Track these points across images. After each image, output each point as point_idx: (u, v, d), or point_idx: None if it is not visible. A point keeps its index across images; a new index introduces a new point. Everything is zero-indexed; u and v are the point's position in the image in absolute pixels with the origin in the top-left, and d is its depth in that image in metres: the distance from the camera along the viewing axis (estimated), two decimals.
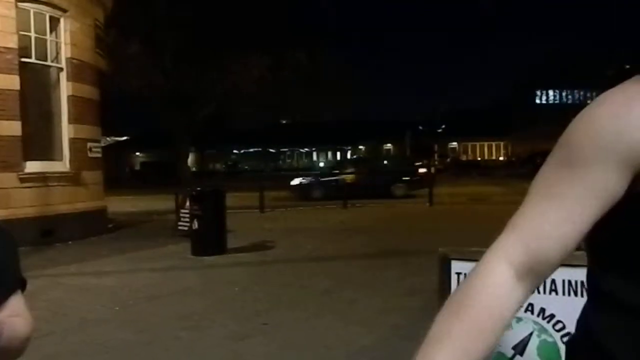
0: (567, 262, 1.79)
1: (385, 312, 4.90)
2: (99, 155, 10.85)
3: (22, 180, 8.89)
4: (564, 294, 1.78)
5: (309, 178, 19.08)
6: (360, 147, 66.68)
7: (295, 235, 9.84)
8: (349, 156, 67.53)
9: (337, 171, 19.30)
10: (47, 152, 9.69)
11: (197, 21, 24.12)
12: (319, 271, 6.82)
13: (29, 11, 9.20)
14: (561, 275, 1.79)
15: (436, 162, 43.52)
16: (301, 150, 68.63)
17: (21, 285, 1.13)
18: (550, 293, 1.80)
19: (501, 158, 62.66)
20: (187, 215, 8.61)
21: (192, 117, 29.10)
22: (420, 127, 57.10)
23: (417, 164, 21.26)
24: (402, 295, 5.44)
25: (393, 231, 10.24)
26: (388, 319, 4.70)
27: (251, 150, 64.98)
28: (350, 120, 60.29)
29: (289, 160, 67.81)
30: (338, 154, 68.54)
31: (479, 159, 62.15)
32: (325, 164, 64.91)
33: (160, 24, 23.93)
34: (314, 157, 69.01)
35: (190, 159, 39.98)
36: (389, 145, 64.46)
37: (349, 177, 17.60)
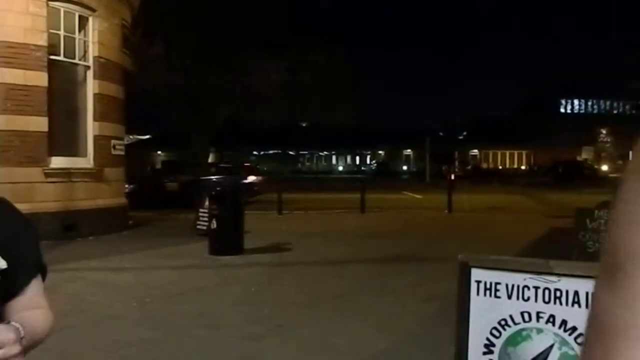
0: (590, 275, 1.76)
1: (400, 318, 4.87)
2: (122, 152, 11.01)
3: (47, 175, 9.07)
4: (587, 306, 1.75)
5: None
6: (380, 151, 66.50)
7: (312, 238, 9.84)
8: (368, 161, 67.42)
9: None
10: (72, 148, 9.88)
11: (216, 23, 24.37)
12: (334, 274, 6.81)
13: (59, 10, 9.41)
14: (584, 287, 1.76)
15: (456, 169, 43.17)
16: (320, 153, 68.70)
17: (41, 271, 1.14)
18: (572, 305, 1.77)
19: (522, 167, 61.85)
20: (206, 215, 8.68)
21: (211, 118, 29.39)
22: (441, 134, 56.72)
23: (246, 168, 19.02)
24: (418, 301, 5.40)
25: (411, 237, 10.18)
26: (403, 325, 4.67)
27: (270, 152, 65.31)
28: (370, 125, 60.21)
29: (308, 163, 67.95)
30: (357, 158, 68.47)
31: (500, 167, 61.44)
32: (344, 167, 64.90)
33: (182, 26, 24.23)
34: (333, 161, 69.03)
35: (210, 160, 40.32)
36: (409, 150, 64.14)
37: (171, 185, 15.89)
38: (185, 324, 4.72)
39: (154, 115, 41.04)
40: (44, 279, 1.15)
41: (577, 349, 1.77)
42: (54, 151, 9.29)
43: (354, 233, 10.63)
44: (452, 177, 20.45)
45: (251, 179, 17.33)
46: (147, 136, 55.83)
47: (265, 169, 59.81)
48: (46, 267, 1.16)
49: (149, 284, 6.27)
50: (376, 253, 8.35)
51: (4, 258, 1.03)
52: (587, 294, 1.76)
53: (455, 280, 2.10)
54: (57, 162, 9.31)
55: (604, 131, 58.94)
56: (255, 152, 66.00)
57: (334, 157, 69.44)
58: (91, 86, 10.06)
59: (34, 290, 1.08)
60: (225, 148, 54.50)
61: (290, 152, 65.27)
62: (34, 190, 8.88)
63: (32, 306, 1.07)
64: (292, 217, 13.50)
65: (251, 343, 4.23)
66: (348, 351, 4.05)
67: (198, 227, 9.58)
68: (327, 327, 4.62)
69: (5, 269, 1.03)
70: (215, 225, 7.99)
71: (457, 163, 51.54)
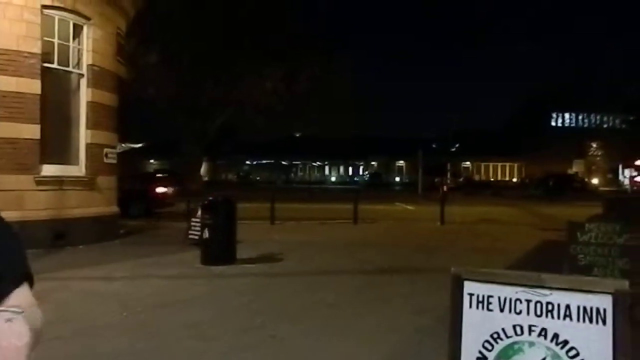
0: (582, 288, 1.78)
1: (391, 330, 4.86)
2: (115, 161, 10.97)
3: (37, 182, 9.01)
4: (578, 320, 1.76)
5: None
6: (373, 162, 66.69)
7: (304, 249, 9.82)
8: (360, 171, 67.56)
9: None
10: (64, 156, 9.82)
11: (211, 32, 24.47)
12: (326, 285, 6.79)
13: (53, 18, 9.41)
14: (576, 301, 1.77)
15: (449, 181, 43.32)
16: (313, 163, 68.79)
17: (27, 279, 1.05)
18: (564, 319, 1.78)
19: (514, 179, 62.23)
20: (198, 224, 8.65)
21: (204, 127, 29.39)
22: (434, 145, 57.00)
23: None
24: (410, 313, 5.39)
25: (403, 248, 10.19)
26: (394, 337, 4.66)
27: (264, 161, 65.31)
28: (363, 136, 60.40)
29: (301, 173, 68.01)
30: (350, 168, 68.64)
31: (492, 179, 61.76)
32: (337, 178, 64.95)
33: (177, 34, 24.30)
34: (326, 171, 69.11)
35: (203, 169, 40.22)
36: (401, 162, 64.40)
37: None
38: (177, 334, 4.69)
39: (148, 123, 40.97)
40: (31, 287, 1.07)
41: None
42: (46, 159, 9.23)
43: (347, 243, 10.63)
44: (445, 188, 20.51)
45: (160, 190, 17.10)
46: (140, 144, 55.68)
47: (258, 178, 59.83)
48: (32, 275, 1.08)
49: (140, 293, 6.21)
50: (368, 264, 8.34)
51: None
52: (578, 307, 1.77)
53: (448, 292, 2.11)
54: (49, 169, 9.26)
55: (594, 145, 59.50)
56: (248, 162, 65.97)
57: (327, 168, 69.57)
58: (85, 94, 10.04)
59: (19, 299, 1.01)
60: (219, 157, 54.44)
61: (284, 162, 65.30)
62: (24, 198, 8.82)
63: (10, 310, 1.01)
64: (284, 227, 13.47)
65: (243, 354, 4.21)
66: None
67: (190, 236, 9.53)
68: (319, 338, 4.61)
69: None
70: (207, 235, 7.96)
71: (449, 175, 51.75)
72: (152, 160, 56.18)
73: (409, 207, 21.89)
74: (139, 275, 7.28)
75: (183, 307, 5.63)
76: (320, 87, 27.11)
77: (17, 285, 1.00)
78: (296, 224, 14.19)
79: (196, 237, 8.91)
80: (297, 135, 52.85)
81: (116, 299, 5.94)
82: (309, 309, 5.59)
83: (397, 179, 61.45)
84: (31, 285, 1.06)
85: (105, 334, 4.70)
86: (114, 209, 10.94)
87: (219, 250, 7.90)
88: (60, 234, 9.07)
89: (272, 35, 24.79)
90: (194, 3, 23.69)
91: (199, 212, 8.75)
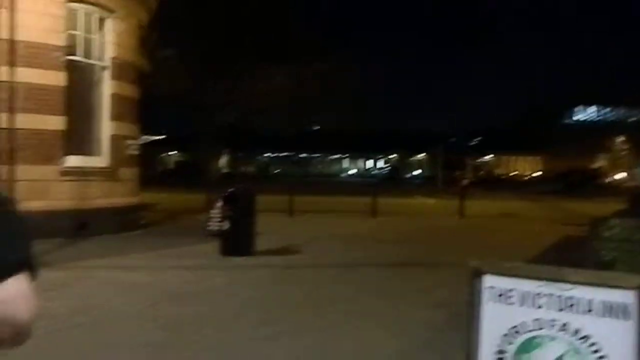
0: (605, 283, 1.75)
1: (410, 323, 4.86)
2: (136, 152, 11.12)
3: (61, 173, 9.18)
4: (600, 315, 1.74)
5: None
6: (392, 155, 66.34)
7: (322, 241, 9.85)
8: (379, 165, 67.32)
9: None
10: (87, 147, 9.99)
11: (222, 29, 24.64)
12: (344, 278, 6.81)
13: (78, 11, 9.54)
14: (599, 296, 1.75)
15: (469, 175, 42.94)
16: (332, 156, 68.73)
17: (24, 268, 0.98)
18: (586, 314, 1.76)
19: (535, 174, 61.37)
20: (217, 216, 8.72)
21: (219, 121, 29.62)
22: (454, 139, 56.49)
23: None
24: (428, 307, 5.38)
25: (422, 242, 10.15)
26: (412, 330, 4.66)
27: (282, 154, 65.48)
28: (382, 129, 60.11)
29: (320, 167, 67.99)
30: (369, 161, 68.41)
31: (513, 173, 60.98)
32: (356, 171, 64.81)
33: (193, 29, 24.48)
34: (345, 164, 69.01)
35: (222, 161, 40.53)
36: (421, 155, 63.91)
37: None
38: (196, 324, 4.75)
39: (168, 116, 41.36)
40: (32, 275, 0.99)
41: (590, 358, 1.76)
42: (70, 150, 9.40)
43: (365, 237, 10.62)
44: (464, 182, 20.33)
45: None
46: (160, 137, 56.23)
47: (277, 170, 60.02)
48: (33, 264, 1.00)
49: (160, 283, 6.31)
50: (387, 257, 8.33)
51: None
52: (601, 302, 1.75)
53: (467, 286, 2.10)
54: (72, 161, 9.42)
55: (619, 139, 58.27)
56: (266, 155, 66.18)
57: (345, 161, 69.46)
58: (108, 86, 10.18)
59: (14, 287, 0.95)
60: (237, 150, 54.75)
61: (302, 155, 65.36)
62: (49, 189, 9.00)
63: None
64: (303, 220, 13.51)
65: (261, 344, 4.25)
66: (356, 355, 4.04)
67: (209, 227, 9.62)
68: (336, 331, 4.62)
69: None
70: (227, 226, 8.03)
71: (469, 169, 51.25)
72: (172, 152, 56.76)
73: (429, 201, 21.75)
74: (159, 265, 7.39)
75: (202, 297, 5.70)
76: (330, 81, 27.00)
77: (10, 274, 0.94)
78: (315, 217, 14.22)
79: (215, 229, 8.99)
80: (316, 128, 52.86)
81: (137, 288, 6.04)
82: (326, 302, 5.61)
83: (417, 172, 61.09)
84: (31, 273, 0.98)
85: (124, 323, 4.79)
86: (136, 199, 11.10)
87: (239, 241, 7.96)
88: (83, 224, 9.24)
89: (276, 34, 24.89)
90: (197, 1, 23.89)
91: (219, 204, 8.82)
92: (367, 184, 25.34)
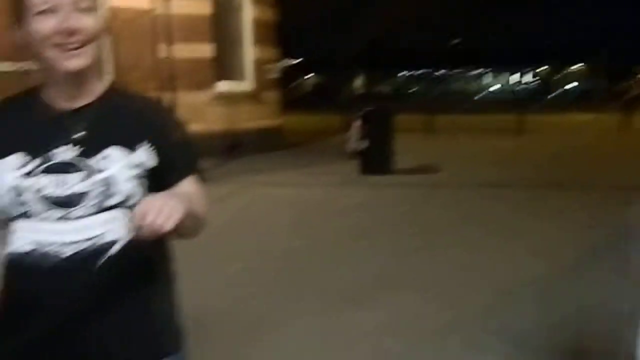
0: None
1: (559, 243, 4.62)
2: (277, 76, 11.56)
3: (213, 98, 9.93)
4: None
5: None
6: (542, 68, 60.32)
7: (463, 160, 9.56)
8: (527, 79, 61.86)
9: None
10: (234, 72, 10.61)
11: None
12: (486, 197, 6.60)
13: None
14: None
15: (636, 87, 37.64)
16: (473, 72, 64.58)
17: (194, 172, 1.16)
18: None
19: None
20: (356, 135, 8.87)
21: (357, 39, 29.12)
22: (617, 47, 49.32)
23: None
24: (579, 228, 5.04)
25: (575, 161, 9.35)
26: (562, 251, 4.43)
27: (419, 72, 63.17)
28: (530, 38, 54.46)
29: (460, 83, 64.44)
30: (515, 76, 63.03)
31: None
32: (500, 86, 60.40)
33: None
34: (487, 80, 64.49)
35: (357, 81, 40.44)
36: (577, 65, 57.09)
37: None
38: (339, 236, 5.03)
39: (304, 40, 41.89)
40: (199, 182, 1.17)
41: None
42: (219, 76, 10.07)
43: (509, 156, 10.07)
44: (631, 95, 17.93)
45: None
46: (298, 60, 57.48)
47: (414, 89, 58.36)
48: (201, 171, 1.18)
49: (305, 198, 6.74)
50: (534, 177, 7.86)
51: (157, 156, 1.09)
52: None
53: (626, 207, 1.91)
54: (222, 86, 10.11)
55: None
56: (402, 73, 64.37)
57: (488, 76, 64.89)
58: (249, 12, 10.53)
59: (186, 188, 1.11)
60: (373, 70, 54.05)
61: (440, 72, 62.40)
62: (203, 113, 9.82)
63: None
64: (442, 139, 13.17)
65: (400, 259, 4.37)
66: (501, 275, 3.98)
67: (348, 147, 9.84)
68: (477, 248, 4.57)
69: (155, 167, 1.08)
70: (365, 145, 8.15)
71: (637, 79, 44.84)
72: (309, 75, 57.90)
73: (585, 117, 19.69)
74: (303, 182, 7.84)
75: (344, 213, 5.97)
76: None
77: (186, 176, 1.14)
78: (455, 136, 13.77)
79: (354, 148, 9.18)
80: (456, 42, 49.73)
81: (284, 202, 6.52)
82: (466, 220, 5.53)
83: (570, 85, 55.10)
84: (199, 181, 1.17)
85: (276, 232, 5.25)
86: (279, 121, 11.68)
87: (377, 160, 8.07)
88: (233, 145, 10.03)
89: None
90: None
91: (357, 123, 8.93)
92: (512, 100, 23.55)
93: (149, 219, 0.92)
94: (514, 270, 4.06)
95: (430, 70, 61.00)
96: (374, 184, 7.51)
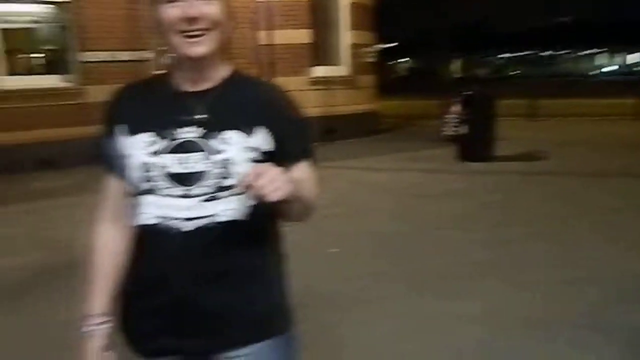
0: None
1: None
2: (373, 60, 11.47)
3: (310, 83, 10.08)
4: None
5: None
6: None
7: (569, 147, 8.94)
8: None
9: None
10: (330, 57, 10.68)
11: None
12: (595, 187, 6.13)
13: None
14: None
15: None
16: (583, 52, 59.69)
17: (308, 158, 1.19)
18: None
19: None
20: (454, 120, 8.59)
21: (455, 20, 28.02)
22: None
23: None
24: None
25: None
26: None
27: (521, 54, 59.57)
28: None
29: (568, 64, 59.89)
30: (634, 55, 57.29)
31: None
32: (615, 68, 55.32)
33: None
34: (600, 61, 59.31)
35: (455, 65, 39.04)
36: None
37: None
38: (435, 222, 4.94)
39: (399, 23, 41.11)
40: (312, 169, 1.19)
41: None
42: (316, 61, 10.19)
43: (624, 143, 9.25)
44: None
45: None
46: (393, 44, 56.59)
47: (516, 72, 55.18)
48: (314, 156, 1.21)
49: (401, 183, 6.68)
50: None
51: (273, 141, 1.13)
52: None
53: None
54: (318, 71, 10.22)
55: None
56: (503, 55, 61.10)
57: (600, 57, 59.65)
58: None
59: (298, 173, 1.13)
60: (471, 52, 51.89)
61: (545, 53, 58.39)
62: (301, 98, 9.94)
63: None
64: (547, 125, 12.39)
65: (497, 248, 4.21)
66: (593, 272, 3.68)
67: (445, 132, 9.57)
68: (576, 243, 4.26)
69: (271, 151, 1.12)
70: (464, 131, 7.88)
71: None
72: (404, 59, 56.85)
73: None
74: (399, 167, 7.76)
75: (441, 199, 5.84)
76: None
77: (298, 161, 1.16)
78: (561, 121, 12.88)
79: (451, 133, 8.90)
80: (563, 20, 46.23)
81: (381, 187, 6.51)
82: (572, 211, 5.19)
83: None
84: (311, 167, 1.20)
85: (374, 216, 5.26)
86: (373, 106, 11.62)
87: (477, 146, 7.77)
88: (330, 130, 10.14)
89: None
90: None
91: (455, 108, 8.64)
92: (629, 82, 21.49)
93: (260, 182, 0.95)
94: (610, 265, 3.75)
95: (535, 51, 57.25)
96: (473, 171, 7.25)
